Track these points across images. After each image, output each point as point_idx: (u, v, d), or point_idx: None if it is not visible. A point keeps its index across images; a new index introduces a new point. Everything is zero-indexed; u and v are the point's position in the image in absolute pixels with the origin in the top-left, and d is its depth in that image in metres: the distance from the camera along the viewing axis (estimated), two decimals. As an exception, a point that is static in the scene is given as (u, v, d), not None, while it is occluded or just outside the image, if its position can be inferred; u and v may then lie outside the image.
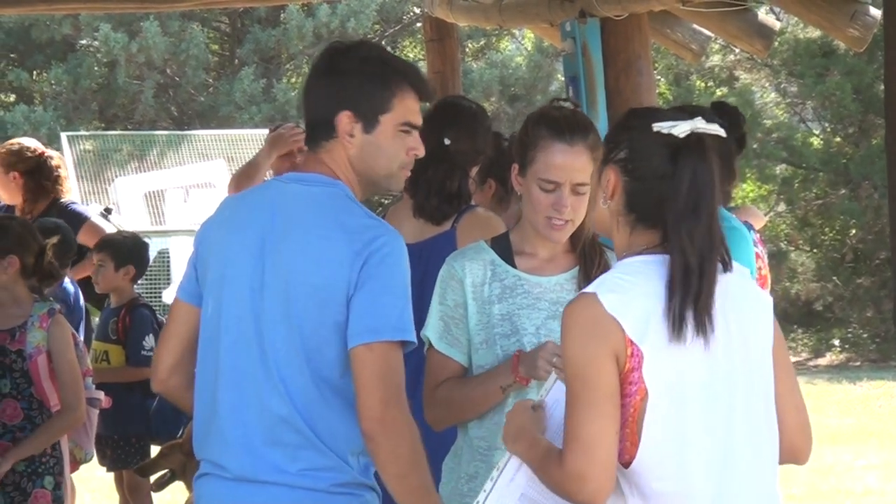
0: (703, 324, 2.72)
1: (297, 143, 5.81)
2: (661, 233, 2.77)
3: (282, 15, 20.66)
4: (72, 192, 6.89)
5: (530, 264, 3.53)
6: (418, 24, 20.91)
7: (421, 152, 3.24)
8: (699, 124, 2.77)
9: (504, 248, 3.55)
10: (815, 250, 19.69)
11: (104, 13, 18.38)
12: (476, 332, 3.50)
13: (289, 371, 3.06)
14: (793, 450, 2.93)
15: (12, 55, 21.67)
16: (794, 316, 19.05)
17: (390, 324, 3.05)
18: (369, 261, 3.04)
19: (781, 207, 19.95)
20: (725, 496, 2.76)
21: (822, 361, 17.92)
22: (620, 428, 2.70)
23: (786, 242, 19.73)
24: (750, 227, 5.32)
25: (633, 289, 2.73)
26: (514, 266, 3.53)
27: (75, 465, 5.55)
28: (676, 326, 2.70)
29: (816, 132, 20.48)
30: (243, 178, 6.17)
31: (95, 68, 20.78)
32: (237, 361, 3.09)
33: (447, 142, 4.42)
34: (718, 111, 4.39)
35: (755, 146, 18.70)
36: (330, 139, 3.15)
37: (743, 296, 2.83)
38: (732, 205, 5.38)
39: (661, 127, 2.77)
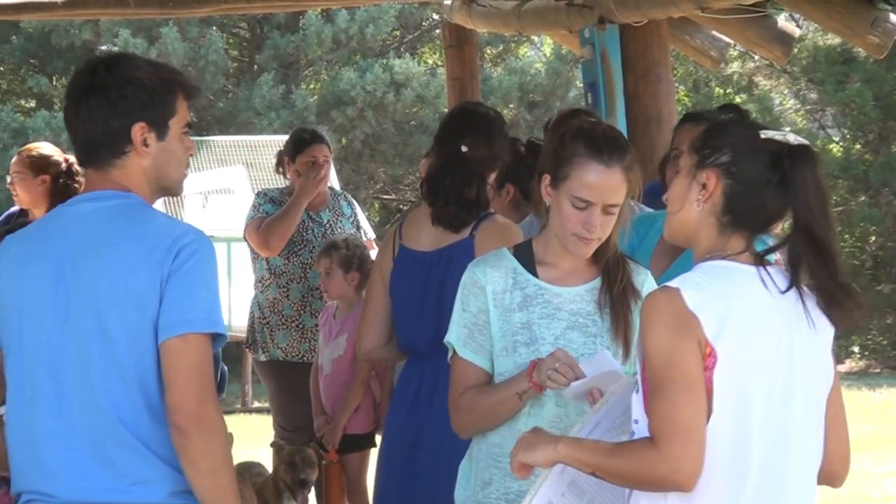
0: (832, 315, 2.83)
1: (324, 181, 6.48)
2: (746, 240, 2.85)
3: (301, 21, 20.69)
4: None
5: (552, 274, 3.53)
6: (437, 31, 20.92)
7: (193, 150, 3.23)
8: (794, 137, 2.87)
9: (526, 257, 3.55)
10: (834, 257, 19.63)
11: (123, 18, 18.43)
12: (497, 338, 3.51)
13: (112, 386, 3.03)
14: (830, 474, 2.98)
15: (33, 61, 21.75)
16: (813, 322, 19.01)
17: (202, 316, 3.02)
18: (178, 257, 3.02)
19: (801, 214, 19.88)
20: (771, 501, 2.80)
21: (841, 368, 17.88)
22: None
23: (805, 249, 19.67)
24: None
25: (714, 290, 2.77)
26: (535, 275, 3.53)
27: None
28: (825, 297, 2.80)
29: (836, 139, 20.44)
30: (285, 228, 6.31)
31: (115, 74, 20.82)
32: (56, 388, 3.06)
33: (464, 149, 4.42)
34: (728, 112, 4.42)
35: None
36: (122, 154, 3.11)
37: (809, 315, 2.87)
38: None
39: (771, 134, 2.85)
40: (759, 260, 2.85)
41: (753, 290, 2.80)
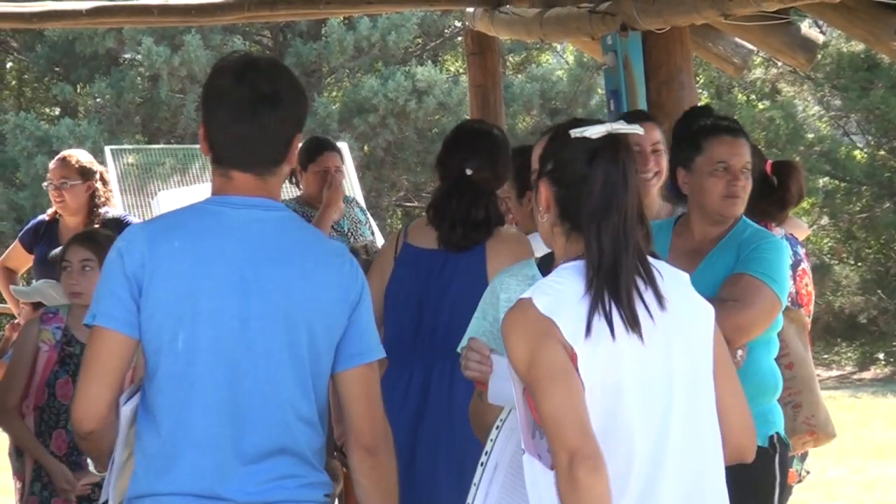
0: (629, 319, 2.81)
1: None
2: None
3: (323, 28, 20.73)
4: (116, 205, 6.92)
5: None
6: (460, 38, 20.93)
7: None
8: (615, 126, 2.89)
9: (547, 266, 3.57)
10: (859, 264, 19.57)
11: (147, 27, 18.48)
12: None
13: (295, 399, 3.11)
14: (739, 449, 3.00)
15: (57, 69, 21.83)
16: (838, 329, 18.95)
17: (378, 343, 3.21)
18: (357, 280, 3.16)
19: (825, 221, 19.84)
20: (655, 491, 2.82)
21: (866, 375, 17.81)
22: None
23: (829, 256, 19.62)
24: (796, 241, 5.29)
25: (565, 292, 2.82)
26: None
27: None
28: (607, 322, 2.79)
29: (860, 145, 20.37)
30: None
31: (138, 82, 20.90)
32: (232, 394, 3.08)
33: (469, 171, 4.40)
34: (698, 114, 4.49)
35: (797, 159, 18.60)
36: (280, 162, 3.18)
37: (683, 301, 2.92)
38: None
39: (576, 132, 2.89)
40: None
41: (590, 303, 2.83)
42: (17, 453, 5.54)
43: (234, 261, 3.09)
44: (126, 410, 3.18)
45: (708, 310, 2.97)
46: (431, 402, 4.19)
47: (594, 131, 2.88)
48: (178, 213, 3.24)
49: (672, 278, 2.95)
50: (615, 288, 2.82)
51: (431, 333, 4.22)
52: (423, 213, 4.61)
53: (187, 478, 3.08)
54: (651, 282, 2.88)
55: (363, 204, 7.19)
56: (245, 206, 3.15)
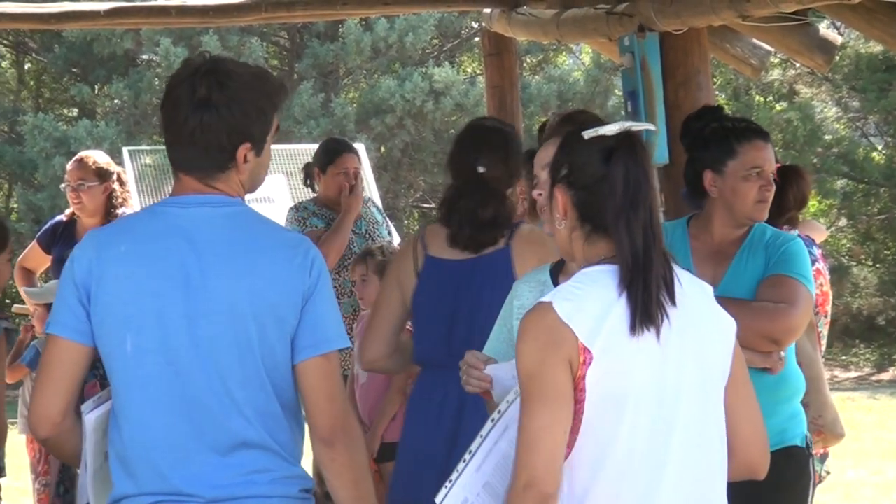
0: (652, 315, 2.79)
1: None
2: (613, 242, 2.86)
3: (340, 29, 20.74)
4: (133, 205, 6.94)
5: None
6: (477, 39, 20.93)
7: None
8: (627, 123, 2.89)
9: (558, 270, 3.58)
10: (877, 265, 19.53)
11: (165, 28, 18.52)
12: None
13: (249, 392, 3.09)
14: (749, 463, 2.98)
15: (74, 70, 21.88)
16: (856, 331, 18.91)
17: (339, 332, 3.16)
18: (312, 273, 3.12)
19: (843, 222, 19.80)
20: (654, 500, 2.81)
21: (884, 376, 17.76)
22: (570, 431, 2.77)
23: (847, 257, 19.57)
24: (811, 241, 5.29)
25: (587, 296, 2.81)
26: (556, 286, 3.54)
27: None
28: (631, 318, 2.78)
29: (879, 147, 20.32)
30: (341, 243, 6.34)
31: (156, 83, 20.93)
32: (185, 392, 3.07)
33: (481, 170, 4.37)
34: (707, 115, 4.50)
35: (815, 161, 18.57)
36: (225, 170, 3.17)
37: (702, 311, 2.91)
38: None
39: (590, 132, 2.87)
40: None
41: (623, 298, 2.81)
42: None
43: (179, 259, 3.09)
44: (91, 418, 3.20)
45: (729, 325, 2.95)
46: (467, 416, 4.16)
47: (609, 129, 2.87)
48: (129, 218, 3.30)
49: (695, 288, 2.94)
50: (646, 283, 2.80)
51: (465, 345, 4.21)
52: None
53: (151, 478, 3.08)
54: (671, 283, 2.86)
55: (380, 205, 7.18)
56: (194, 203, 3.15)
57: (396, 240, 7.05)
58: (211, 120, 3.12)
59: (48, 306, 6.42)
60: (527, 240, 4.34)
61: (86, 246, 3.17)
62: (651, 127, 2.97)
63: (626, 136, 2.87)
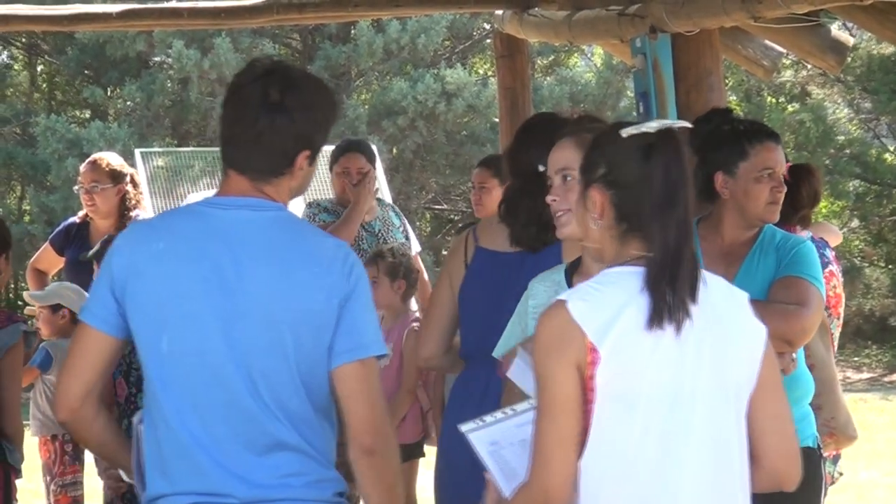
0: (674, 311, 2.77)
1: (365, 189, 6.58)
2: (645, 242, 2.84)
3: (352, 31, 20.75)
4: (146, 207, 6.95)
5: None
6: (488, 41, 20.92)
7: None
8: (667, 122, 2.87)
9: (573, 269, 3.58)
10: (889, 266, 19.49)
11: (177, 30, 18.54)
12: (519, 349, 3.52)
13: (283, 395, 3.09)
14: (776, 474, 2.94)
15: (87, 72, 21.92)
16: (868, 332, 18.88)
17: (375, 339, 3.16)
18: (350, 279, 3.13)
19: (855, 223, 19.77)
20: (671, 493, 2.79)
21: (896, 379, 17.73)
22: (581, 432, 2.76)
23: (859, 258, 19.54)
24: (825, 244, 5.29)
25: (603, 297, 2.79)
26: (570, 286, 3.54)
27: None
28: (651, 313, 2.76)
29: (891, 148, 20.28)
30: (346, 237, 6.34)
31: (168, 85, 20.96)
32: (220, 393, 3.08)
33: (542, 168, 4.35)
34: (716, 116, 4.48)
35: (827, 162, 18.54)
36: (280, 175, 3.18)
37: (728, 315, 2.88)
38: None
39: (628, 130, 2.85)
40: None
41: (647, 294, 2.80)
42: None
43: (217, 261, 3.09)
44: (142, 429, 3.22)
45: (759, 333, 2.92)
46: None
47: (650, 126, 2.85)
48: (169, 215, 3.29)
49: (725, 293, 2.92)
50: (674, 279, 2.79)
51: None
52: (453, 216, 4.58)
53: (186, 478, 3.09)
54: (696, 282, 2.84)
55: (398, 209, 7.18)
56: (234, 206, 3.15)
57: (414, 244, 7.03)
58: (283, 123, 3.13)
59: (53, 308, 6.45)
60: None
61: (126, 238, 3.19)
62: (687, 124, 2.93)
63: (667, 133, 2.85)
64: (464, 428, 2.95)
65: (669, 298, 2.77)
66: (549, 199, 3.52)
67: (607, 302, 2.79)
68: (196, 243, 3.12)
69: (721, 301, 2.89)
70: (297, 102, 3.14)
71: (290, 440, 3.10)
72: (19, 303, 17.07)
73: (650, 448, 2.78)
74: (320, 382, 3.14)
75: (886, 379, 17.60)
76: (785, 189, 4.32)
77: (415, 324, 6.24)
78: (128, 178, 6.63)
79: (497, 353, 3.60)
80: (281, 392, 3.09)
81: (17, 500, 5.07)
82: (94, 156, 6.82)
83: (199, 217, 3.17)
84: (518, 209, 4.28)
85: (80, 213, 6.86)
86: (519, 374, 3.32)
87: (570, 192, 3.48)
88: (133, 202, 6.63)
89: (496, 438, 2.94)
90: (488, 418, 2.96)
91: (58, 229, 6.96)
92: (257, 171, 3.16)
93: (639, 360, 2.78)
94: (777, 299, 4.09)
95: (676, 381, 2.80)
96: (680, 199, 2.82)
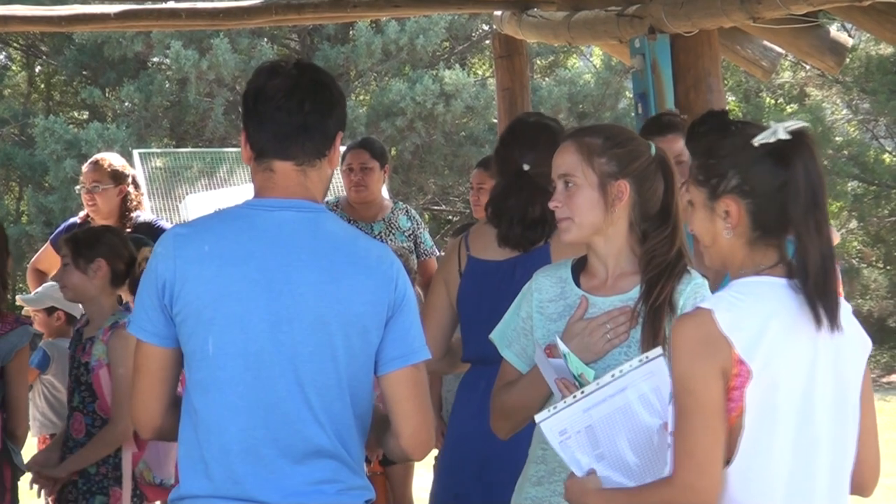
0: (831, 320, 2.79)
1: (361, 186, 6.68)
2: (777, 249, 2.84)
3: (351, 32, 20.76)
4: (145, 208, 6.95)
5: (592, 284, 3.55)
6: (487, 41, 20.94)
7: None
8: (790, 124, 2.83)
9: (578, 267, 3.58)
10: (888, 267, 19.50)
11: (175, 30, 18.55)
12: (538, 345, 3.51)
13: (327, 400, 3.09)
14: (861, 484, 2.98)
15: (85, 73, 21.92)
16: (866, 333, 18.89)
17: (423, 344, 3.20)
18: (398, 285, 3.14)
19: (853, 224, 19.78)
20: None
21: (895, 378, 17.73)
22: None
23: (857, 259, 19.55)
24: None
25: (749, 309, 2.77)
26: (578, 285, 3.54)
27: (152, 489, 5.20)
28: (816, 320, 2.77)
29: (889, 149, 20.30)
30: None
31: (166, 85, 20.97)
32: (262, 396, 3.08)
33: (526, 167, 4.36)
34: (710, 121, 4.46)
35: (825, 163, 18.54)
36: (322, 157, 3.18)
37: (848, 327, 2.88)
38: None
39: (762, 139, 2.81)
40: (792, 268, 2.83)
41: (786, 304, 2.80)
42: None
43: (263, 263, 3.08)
44: None
45: (866, 342, 2.94)
46: None
47: (782, 132, 2.81)
48: (212, 217, 3.25)
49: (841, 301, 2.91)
50: (829, 286, 2.79)
51: None
52: (452, 217, 4.58)
53: (222, 481, 3.08)
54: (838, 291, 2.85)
55: (415, 213, 7.15)
56: (279, 207, 3.14)
57: (428, 248, 6.98)
58: (327, 105, 3.15)
59: (48, 311, 6.43)
60: None
61: (167, 245, 3.15)
62: (806, 124, 2.89)
63: (802, 134, 2.82)
64: (538, 418, 2.99)
65: (821, 309, 2.78)
66: (551, 204, 3.51)
67: (752, 313, 2.77)
68: (242, 245, 3.11)
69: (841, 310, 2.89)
70: (332, 88, 3.19)
71: (328, 446, 3.10)
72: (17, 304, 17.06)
73: (788, 459, 2.80)
74: (365, 387, 3.15)
75: (885, 380, 17.61)
76: None
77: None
78: (129, 179, 6.63)
79: (494, 336, 3.62)
80: (325, 395, 3.09)
81: (19, 500, 5.07)
82: (96, 156, 6.81)
83: (243, 219, 3.16)
84: (504, 209, 4.29)
85: (81, 214, 6.85)
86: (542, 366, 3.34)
87: (572, 198, 3.48)
88: (134, 203, 6.62)
89: (564, 427, 2.97)
90: (558, 404, 3.00)
91: (58, 229, 6.95)
92: (305, 154, 3.16)
93: (785, 372, 2.77)
94: None
95: (810, 392, 2.81)
96: (822, 201, 2.81)
